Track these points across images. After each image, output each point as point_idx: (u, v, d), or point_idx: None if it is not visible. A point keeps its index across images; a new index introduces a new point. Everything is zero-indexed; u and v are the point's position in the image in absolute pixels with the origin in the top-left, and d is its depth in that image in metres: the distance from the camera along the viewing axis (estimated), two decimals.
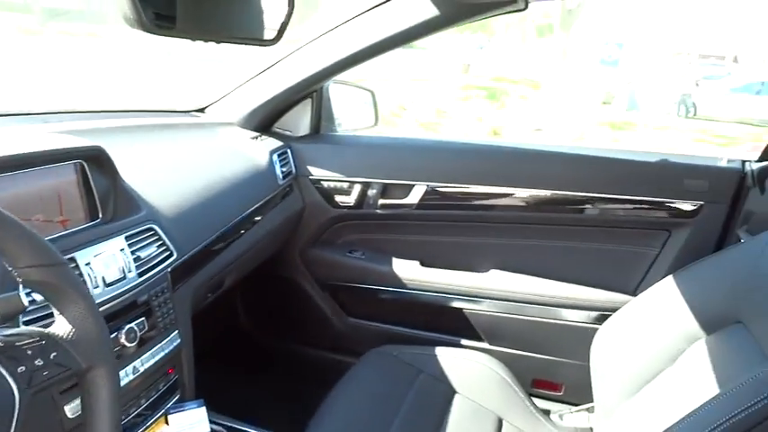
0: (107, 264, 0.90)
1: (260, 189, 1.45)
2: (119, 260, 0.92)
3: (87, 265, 0.87)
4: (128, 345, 0.91)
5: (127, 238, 0.96)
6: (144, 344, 0.96)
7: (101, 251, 0.90)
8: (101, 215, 0.97)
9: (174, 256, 1.05)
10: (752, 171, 1.37)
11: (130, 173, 1.06)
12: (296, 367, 1.83)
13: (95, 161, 0.96)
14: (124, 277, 0.92)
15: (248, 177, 1.41)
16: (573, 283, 1.52)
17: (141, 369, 0.95)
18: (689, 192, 1.41)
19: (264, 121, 1.65)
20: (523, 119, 10.03)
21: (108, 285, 0.89)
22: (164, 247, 1.03)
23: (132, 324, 0.93)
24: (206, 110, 1.66)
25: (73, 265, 0.85)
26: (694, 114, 12.40)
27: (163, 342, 1.01)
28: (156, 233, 1.02)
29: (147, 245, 1.00)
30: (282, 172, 1.55)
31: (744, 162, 1.42)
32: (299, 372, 1.80)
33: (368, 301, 1.68)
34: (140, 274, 0.96)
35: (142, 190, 1.06)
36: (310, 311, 1.74)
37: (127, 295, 0.93)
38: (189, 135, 1.47)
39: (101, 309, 0.82)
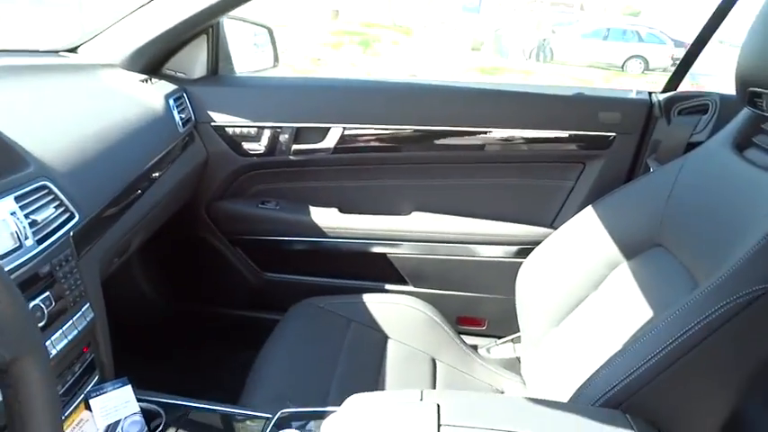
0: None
1: (159, 138, 1.28)
2: (10, 225, 0.76)
3: None
4: None
5: (17, 199, 0.79)
6: (52, 322, 0.81)
7: None
8: None
9: (77, 217, 0.89)
10: (658, 102, 1.45)
11: (6, 121, 0.87)
12: (216, 331, 1.70)
13: None
14: (20, 246, 0.76)
15: (145, 125, 1.23)
16: (492, 219, 1.54)
17: (53, 351, 0.80)
18: (603, 124, 1.46)
19: (153, 61, 1.44)
20: (397, 65, 10.06)
21: (1, 258, 0.73)
22: (62, 208, 0.87)
23: (37, 300, 0.78)
24: (78, 50, 1.42)
25: None
26: (551, 59, 13.23)
27: (74, 318, 0.86)
28: (51, 191, 0.85)
29: (43, 206, 0.83)
30: (181, 119, 1.38)
31: (650, 94, 1.49)
32: (220, 335, 1.68)
33: (285, 255, 1.58)
34: (39, 241, 0.80)
35: (23, 141, 0.87)
36: (223, 271, 1.62)
37: (26, 267, 0.77)
38: (65, 78, 1.25)
39: None
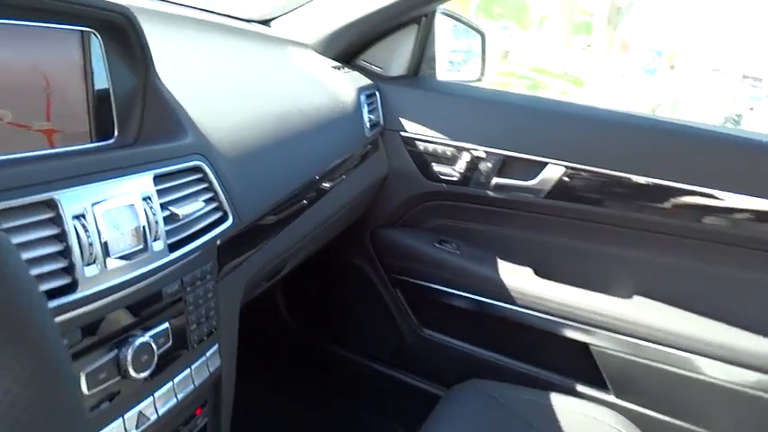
0: (116, 221, 0.48)
1: (343, 139, 1.02)
2: (139, 216, 0.50)
3: (78, 218, 0.44)
4: (135, 375, 0.49)
5: (157, 180, 0.53)
6: (161, 370, 0.53)
7: (107, 195, 0.47)
8: (116, 131, 0.55)
9: (230, 220, 0.62)
10: None
11: (173, 75, 0.63)
12: (349, 382, 1.39)
13: (116, 34, 0.53)
14: (145, 248, 0.50)
15: (330, 119, 0.97)
16: (742, 328, 1.09)
17: (152, 417, 0.53)
18: None
19: (349, 48, 1.20)
20: None
21: (113, 261, 0.47)
22: (214, 204, 0.60)
23: (147, 337, 0.51)
24: (270, 23, 1.22)
25: (49, 215, 0.43)
26: None
27: (194, 366, 0.59)
28: (205, 178, 0.59)
29: (189, 196, 0.57)
30: (370, 120, 1.11)
31: None
32: (352, 388, 1.37)
33: (453, 312, 1.24)
34: (173, 247, 0.53)
35: (189, 105, 0.62)
36: (373, 312, 1.32)
37: (146, 282, 0.51)
38: (254, 47, 1.03)
39: (91, 305, 0.44)
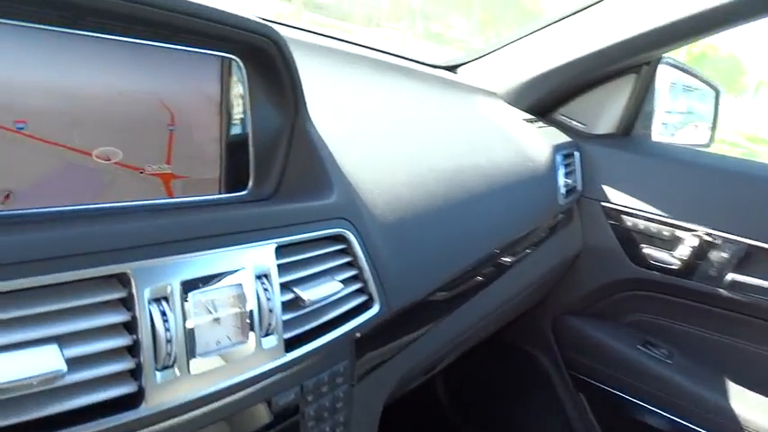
0: (213, 305, 0.34)
1: (534, 204, 0.83)
2: (246, 300, 0.36)
3: (157, 302, 0.32)
4: None
5: (281, 251, 0.39)
6: None
7: (207, 271, 0.34)
8: (251, 181, 0.42)
9: (376, 307, 0.46)
10: None
11: (326, 117, 0.50)
12: None
13: (263, 64, 0.42)
14: (251, 345, 0.36)
15: (521, 180, 0.79)
16: None
17: None
18: None
19: (545, 100, 1.03)
20: None
21: (200, 363, 0.33)
22: (357, 285, 0.45)
23: None
24: (457, 70, 1.08)
25: (119, 294, 0.30)
26: None
27: None
28: (349, 250, 0.45)
29: (323, 274, 0.43)
30: (566, 185, 0.90)
31: None
32: None
33: None
34: (292, 343, 0.39)
35: (341, 155, 0.49)
36: (548, 414, 1.07)
37: (246, 392, 0.36)
38: (435, 92, 0.90)
39: (161, 426, 0.32)
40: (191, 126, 0.42)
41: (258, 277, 0.37)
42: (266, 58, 0.43)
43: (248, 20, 0.40)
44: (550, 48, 0.98)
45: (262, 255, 0.38)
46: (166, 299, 0.32)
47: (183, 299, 0.32)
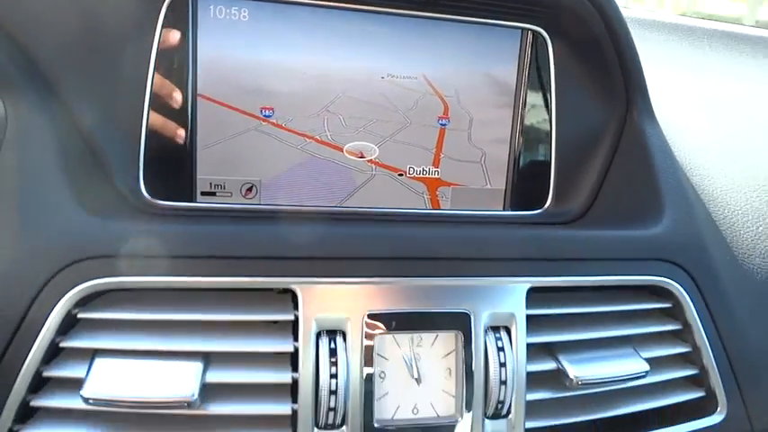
0: (407, 359, 0.25)
1: None
2: (474, 355, 0.25)
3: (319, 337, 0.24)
4: None
5: (533, 298, 0.27)
6: None
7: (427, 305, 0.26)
8: (550, 197, 0.33)
9: (720, 415, 0.28)
10: None
11: (662, 114, 0.34)
12: None
13: (581, 35, 0.31)
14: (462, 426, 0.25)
15: None
16: None
17: None
18: None
19: None
20: None
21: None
22: (685, 371, 0.29)
23: None
24: None
25: (287, 315, 0.24)
26: None
27: None
28: (676, 311, 0.28)
29: (621, 342, 0.28)
30: None
31: None
32: None
33: None
34: None
35: (682, 164, 0.32)
36: None
37: None
38: None
39: None
40: (470, 121, 0.33)
41: (488, 332, 0.25)
42: (585, 31, 0.31)
43: None
44: None
45: (514, 302, 0.26)
46: (334, 340, 0.24)
47: (362, 342, 0.24)
